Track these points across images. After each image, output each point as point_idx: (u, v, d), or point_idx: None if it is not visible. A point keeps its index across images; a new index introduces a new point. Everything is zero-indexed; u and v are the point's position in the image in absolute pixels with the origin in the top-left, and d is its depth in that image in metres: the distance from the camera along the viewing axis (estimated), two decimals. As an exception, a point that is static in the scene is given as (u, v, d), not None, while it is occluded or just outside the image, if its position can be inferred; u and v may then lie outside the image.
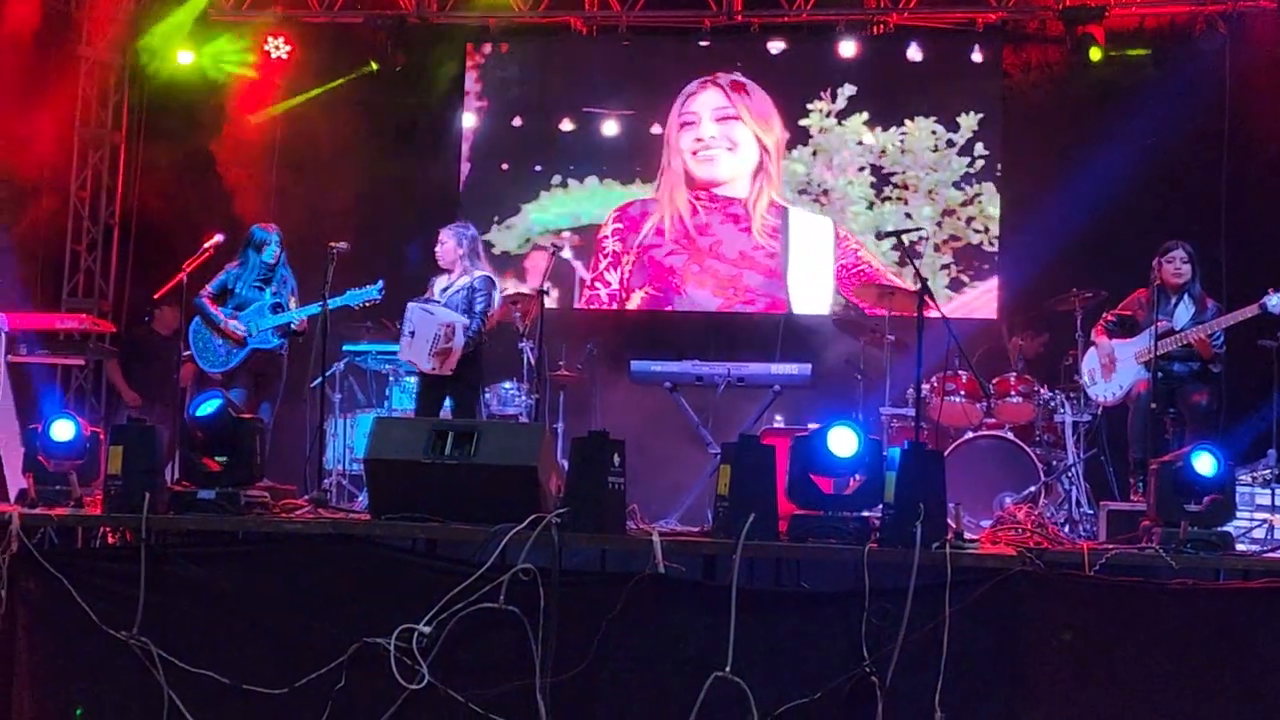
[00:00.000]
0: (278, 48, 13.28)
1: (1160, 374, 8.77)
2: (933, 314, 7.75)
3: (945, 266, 12.86)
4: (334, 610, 6.44)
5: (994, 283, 12.78)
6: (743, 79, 13.31)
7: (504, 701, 6.21)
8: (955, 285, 12.76)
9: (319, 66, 13.40)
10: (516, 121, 13.71)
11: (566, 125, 13.65)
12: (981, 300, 12.78)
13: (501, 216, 13.55)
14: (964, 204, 12.90)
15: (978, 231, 12.84)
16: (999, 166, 12.85)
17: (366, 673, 6.33)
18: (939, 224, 12.78)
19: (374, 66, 13.33)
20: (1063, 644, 6.06)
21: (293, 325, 9.64)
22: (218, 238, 9.51)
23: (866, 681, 6.04)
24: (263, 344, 9.61)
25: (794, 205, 13.12)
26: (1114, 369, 9.21)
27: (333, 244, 8.72)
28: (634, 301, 13.32)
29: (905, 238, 9.06)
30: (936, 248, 12.80)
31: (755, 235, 13.09)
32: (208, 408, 7.01)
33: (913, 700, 6.01)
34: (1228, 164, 12.04)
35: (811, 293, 13.02)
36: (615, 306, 13.36)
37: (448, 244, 9.74)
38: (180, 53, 13.20)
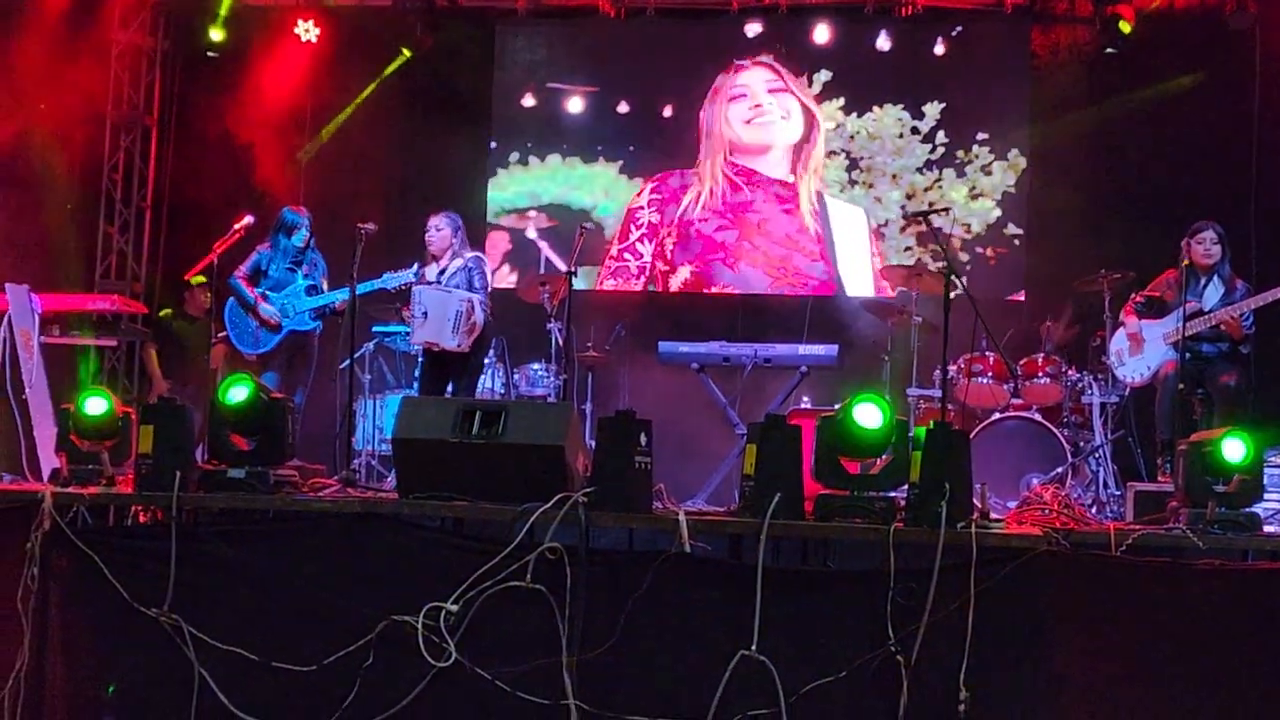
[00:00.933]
0: (307, 30, 13.32)
1: (1189, 355, 8.75)
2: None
3: (908, 249, 12.91)
4: (362, 588, 6.48)
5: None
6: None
7: (531, 679, 6.25)
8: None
9: (348, 49, 13.42)
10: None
11: (528, 101, 13.70)
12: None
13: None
14: (926, 189, 12.94)
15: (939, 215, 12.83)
16: (959, 153, 12.93)
17: (394, 650, 6.37)
18: (903, 207, 12.80)
19: (406, 54, 13.34)
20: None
21: (334, 306, 9.71)
22: (248, 219, 9.56)
23: (892, 660, 6.06)
24: (300, 326, 9.72)
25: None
26: (1142, 349, 9.20)
27: (361, 225, 8.76)
28: (678, 278, 13.31)
29: (933, 217, 9.07)
30: (901, 229, 12.90)
31: (803, 216, 13.07)
32: (236, 394, 7.04)
33: (938, 679, 6.02)
34: (1258, 144, 11.99)
35: (858, 281, 13.02)
36: (643, 279, 13.34)
37: (444, 230, 9.82)
38: (211, 32, 13.25)
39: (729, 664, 6.11)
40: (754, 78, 13.42)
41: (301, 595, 6.54)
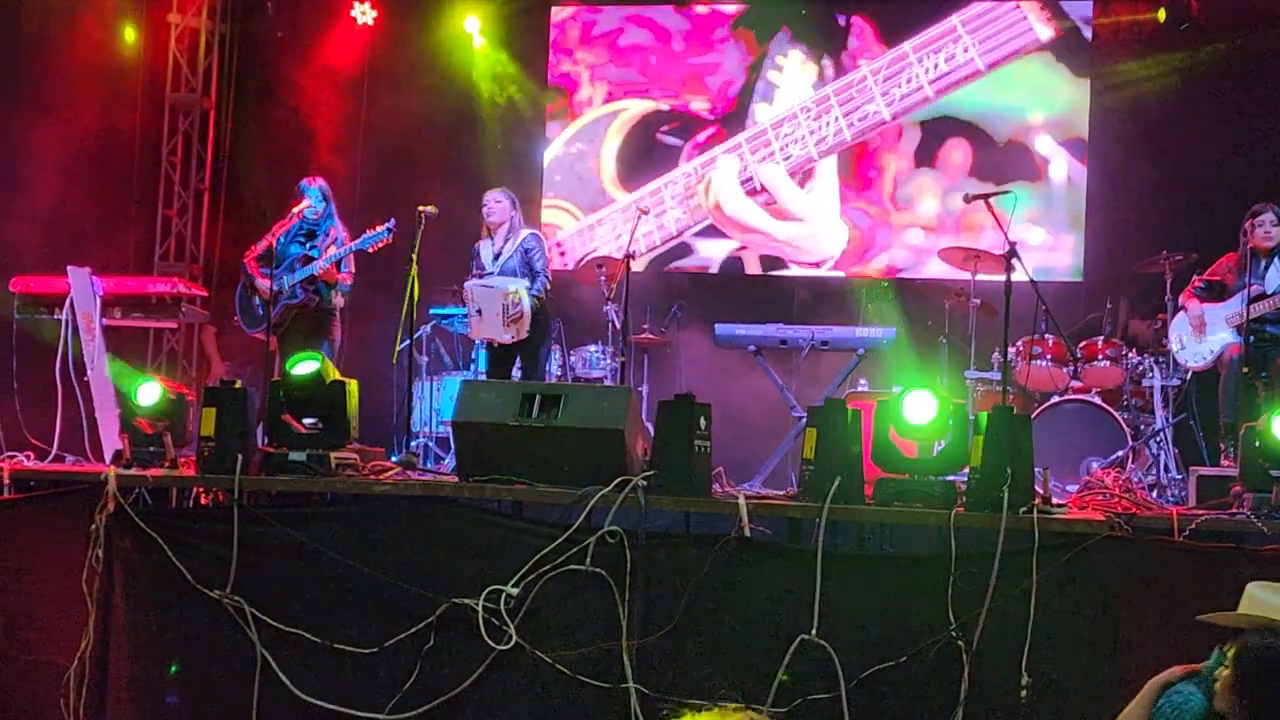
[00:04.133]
0: (364, 13, 13.36)
1: (1253, 337, 8.67)
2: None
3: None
4: (422, 571, 6.53)
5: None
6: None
7: (591, 662, 6.28)
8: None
9: (404, 32, 13.45)
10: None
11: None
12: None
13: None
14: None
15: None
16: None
17: (455, 633, 6.42)
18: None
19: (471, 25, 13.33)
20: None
21: (315, 274, 9.53)
22: (305, 201, 9.58)
23: (953, 646, 6.04)
24: (290, 299, 9.56)
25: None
26: (1204, 333, 9.10)
27: (421, 208, 8.75)
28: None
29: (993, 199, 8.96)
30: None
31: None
32: (303, 367, 7.09)
33: (999, 665, 6.00)
34: (1319, 124, 11.82)
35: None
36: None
37: (503, 203, 9.80)
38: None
39: (789, 648, 6.10)
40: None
41: (362, 578, 6.58)
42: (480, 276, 9.67)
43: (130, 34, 12.91)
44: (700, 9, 13.40)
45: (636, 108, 13.53)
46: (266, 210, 10.44)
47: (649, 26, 13.54)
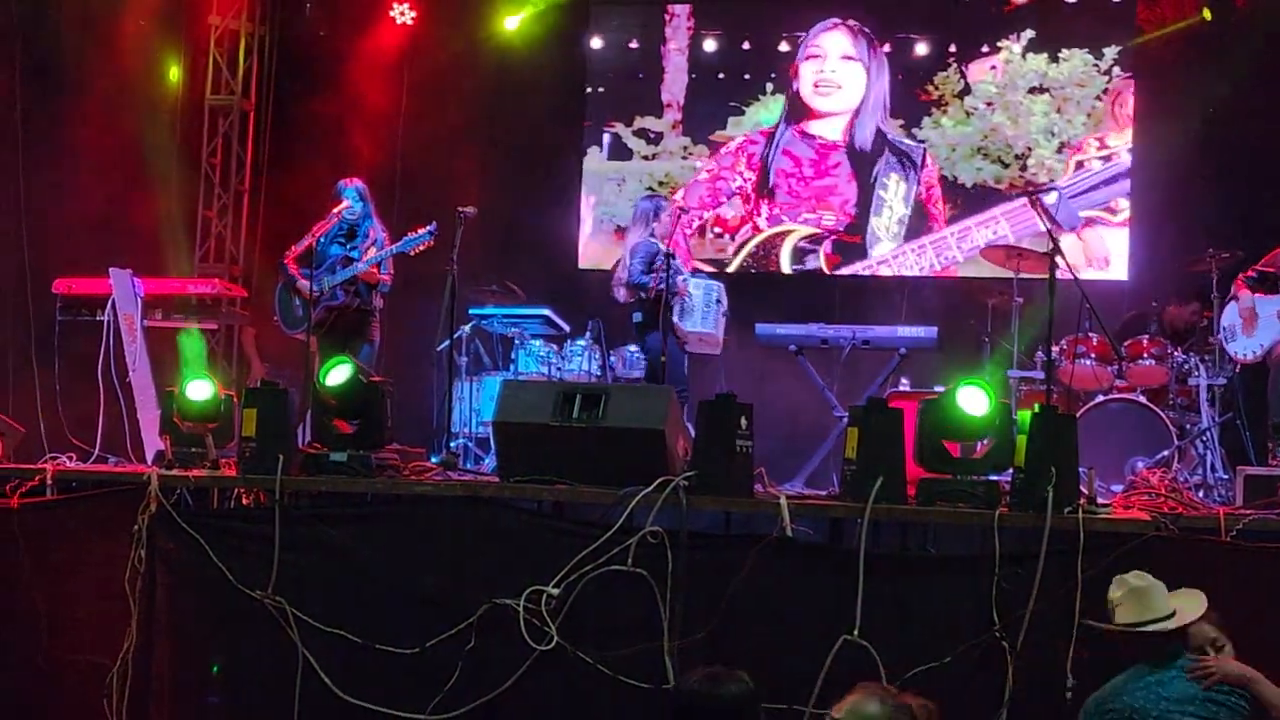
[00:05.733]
0: (403, 14, 13.37)
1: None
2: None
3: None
4: (463, 572, 6.53)
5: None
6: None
7: (632, 663, 6.27)
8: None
9: (443, 32, 13.45)
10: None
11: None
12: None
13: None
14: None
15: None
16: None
17: (496, 633, 6.41)
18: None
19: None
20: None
21: (358, 276, 9.58)
22: (345, 202, 9.59)
23: (997, 646, 6.00)
24: (331, 301, 9.55)
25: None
26: (1255, 326, 9.00)
27: (461, 209, 8.73)
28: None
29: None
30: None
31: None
32: (336, 375, 7.09)
33: (1044, 666, 5.96)
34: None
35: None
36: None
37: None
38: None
39: (831, 648, 6.07)
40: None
41: (403, 578, 6.60)
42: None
43: (170, 36, 12.95)
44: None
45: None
46: (306, 212, 10.42)
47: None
